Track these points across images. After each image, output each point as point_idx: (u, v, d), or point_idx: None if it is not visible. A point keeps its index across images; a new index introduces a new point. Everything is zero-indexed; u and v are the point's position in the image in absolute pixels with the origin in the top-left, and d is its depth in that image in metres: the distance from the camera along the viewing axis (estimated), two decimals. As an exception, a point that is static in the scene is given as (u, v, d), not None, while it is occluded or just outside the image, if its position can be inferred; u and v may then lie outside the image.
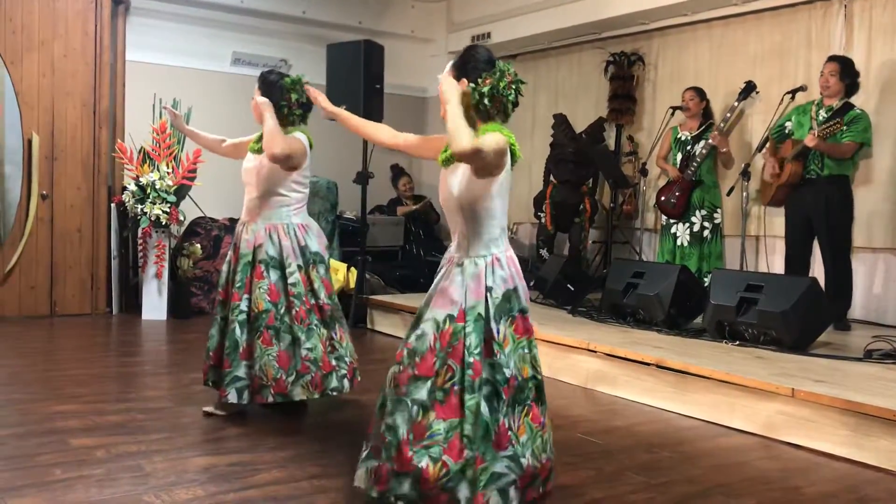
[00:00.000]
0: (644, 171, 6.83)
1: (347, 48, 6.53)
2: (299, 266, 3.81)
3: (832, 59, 5.50)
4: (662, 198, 6.33)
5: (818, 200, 5.43)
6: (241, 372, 3.73)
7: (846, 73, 5.39)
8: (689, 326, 5.38)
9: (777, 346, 4.71)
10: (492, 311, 2.58)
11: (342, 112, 3.34)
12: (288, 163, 3.74)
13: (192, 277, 6.83)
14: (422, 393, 2.51)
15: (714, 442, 3.76)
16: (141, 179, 6.43)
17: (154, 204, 6.39)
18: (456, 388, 2.51)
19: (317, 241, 3.92)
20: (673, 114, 6.49)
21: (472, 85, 2.61)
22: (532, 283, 7.07)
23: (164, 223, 6.43)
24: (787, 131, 5.70)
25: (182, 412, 3.90)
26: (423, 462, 2.44)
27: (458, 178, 2.62)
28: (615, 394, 4.58)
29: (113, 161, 6.81)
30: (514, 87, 2.63)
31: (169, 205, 6.42)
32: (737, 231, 6.26)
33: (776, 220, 6.09)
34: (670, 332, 5.20)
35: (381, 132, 3.07)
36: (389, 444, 2.51)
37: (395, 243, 7.88)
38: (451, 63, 2.73)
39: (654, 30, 7.22)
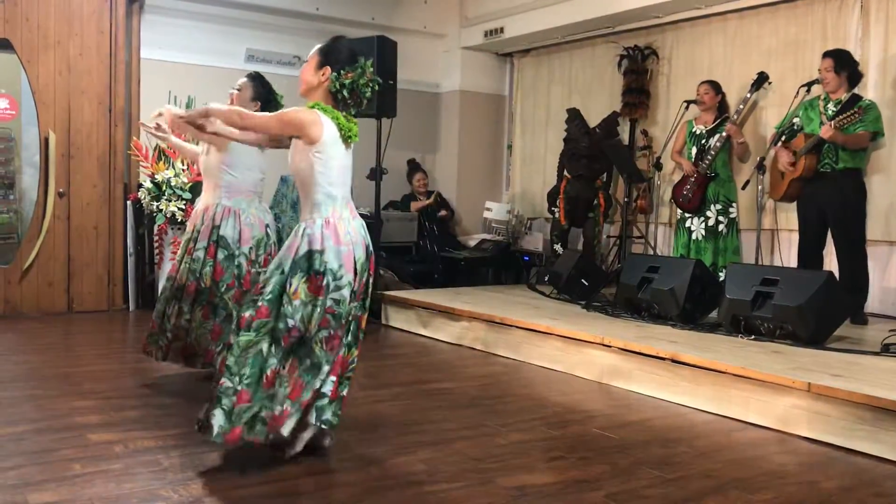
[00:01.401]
0: (658, 166, 6.80)
1: (360, 44, 6.52)
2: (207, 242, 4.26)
3: (825, 54, 5.54)
4: (678, 192, 6.31)
5: (832, 194, 5.41)
6: None
7: (841, 65, 5.41)
8: (704, 321, 5.36)
9: (793, 340, 4.69)
10: (291, 266, 3.01)
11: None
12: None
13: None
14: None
15: (729, 436, 3.75)
16: (156, 177, 6.47)
17: (169, 201, 6.43)
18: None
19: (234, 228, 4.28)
20: (687, 108, 6.47)
21: (335, 74, 3.03)
22: (546, 278, 7.08)
23: (179, 220, 6.47)
24: (795, 127, 5.67)
25: (198, 407, 3.92)
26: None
27: (291, 150, 3.11)
28: (630, 388, 4.58)
29: (129, 158, 6.85)
30: (371, 85, 3.09)
31: (184, 202, 6.45)
32: (752, 225, 6.23)
33: (791, 215, 6.07)
34: (685, 326, 5.19)
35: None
36: None
37: (409, 239, 7.88)
38: (316, 48, 3.11)
39: (668, 23, 7.19)
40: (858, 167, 5.43)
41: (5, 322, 6.15)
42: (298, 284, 2.98)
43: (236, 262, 4.19)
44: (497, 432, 3.64)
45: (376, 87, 3.11)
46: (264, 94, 4.19)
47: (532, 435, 3.65)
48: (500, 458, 3.28)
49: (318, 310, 2.99)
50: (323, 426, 3.05)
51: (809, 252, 5.63)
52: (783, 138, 5.71)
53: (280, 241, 4.12)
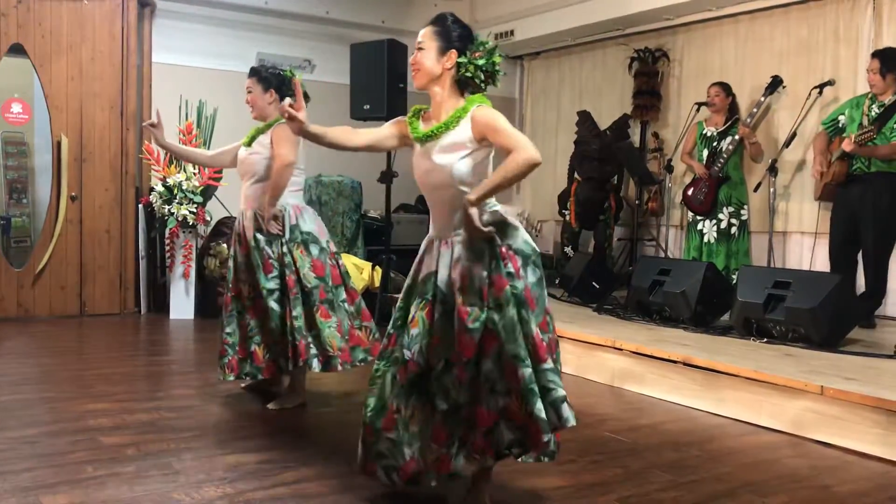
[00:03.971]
0: (669, 168, 6.78)
1: (371, 47, 6.55)
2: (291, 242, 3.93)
3: (873, 54, 5.40)
4: (689, 194, 6.29)
5: (865, 197, 5.30)
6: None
7: (887, 65, 5.25)
8: (716, 324, 5.34)
9: (806, 343, 4.66)
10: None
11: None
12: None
13: (218, 277, 6.87)
14: None
15: (742, 440, 3.73)
16: (168, 180, 6.49)
17: (181, 204, 6.46)
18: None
19: (312, 223, 4.02)
20: (698, 110, 6.45)
21: (464, 58, 2.61)
22: (557, 281, 7.07)
23: (190, 223, 6.50)
24: (840, 125, 5.54)
25: (210, 410, 3.94)
26: None
27: (456, 157, 2.57)
28: (642, 392, 4.56)
29: (140, 162, 6.88)
30: (499, 59, 2.66)
31: (196, 205, 6.48)
32: (763, 227, 6.20)
33: (805, 217, 6.04)
34: (697, 329, 5.17)
35: (345, 136, 2.81)
36: None
37: (420, 241, 7.84)
38: (429, 31, 2.65)
39: (679, 25, 7.17)
40: (893, 171, 5.26)
41: (18, 325, 6.18)
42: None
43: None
44: (508, 435, 3.63)
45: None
46: (273, 80, 4.04)
47: (543, 438, 3.63)
48: (511, 462, 3.26)
49: None
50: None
51: (840, 255, 5.51)
52: (823, 135, 5.57)
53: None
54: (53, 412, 3.81)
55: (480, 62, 2.60)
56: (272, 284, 3.88)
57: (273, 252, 3.90)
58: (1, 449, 3.24)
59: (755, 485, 3.10)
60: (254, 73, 4.09)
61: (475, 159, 2.58)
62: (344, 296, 4.02)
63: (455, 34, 2.63)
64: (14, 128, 6.82)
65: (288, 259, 3.89)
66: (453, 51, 2.61)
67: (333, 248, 4.08)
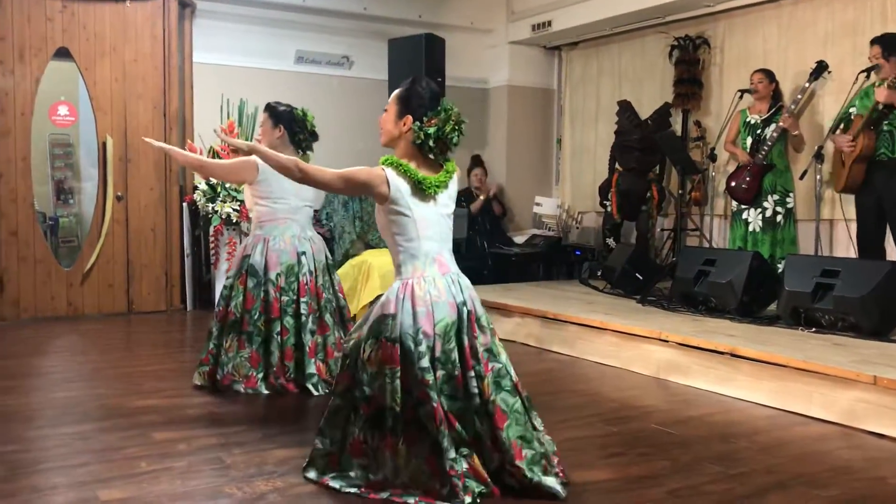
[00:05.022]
0: (713, 157, 6.68)
1: (408, 42, 6.57)
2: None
3: (872, 41, 5.38)
4: (733, 183, 6.20)
5: (890, 183, 5.25)
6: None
7: (889, 50, 5.23)
8: (763, 314, 5.27)
9: (856, 332, 4.58)
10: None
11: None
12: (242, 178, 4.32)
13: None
14: None
15: (792, 431, 3.68)
16: (211, 178, 6.57)
17: (224, 202, 6.53)
18: None
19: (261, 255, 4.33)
20: (741, 97, 6.35)
21: (418, 123, 2.79)
22: (599, 273, 7.03)
23: (234, 221, 6.57)
24: (852, 116, 5.49)
25: (256, 405, 3.99)
26: None
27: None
28: (688, 383, 4.52)
29: (183, 161, 6.96)
30: (457, 129, 2.81)
31: (239, 203, 6.55)
32: (809, 215, 6.09)
33: (851, 205, 5.91)
34: (743, 319, 5.10)
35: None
36: None
37: (459, 235, 7.86)
38: (395, 94, 2.90)
39: (720, 12, 7.06)
40: None
41: (68, 323, 6.31)
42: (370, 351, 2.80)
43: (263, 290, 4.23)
44: (553, 429, 3.60)
45: (462, 132, 2.85)
46: (284, 116, 4.28)
47: (589, 431, 3.62)
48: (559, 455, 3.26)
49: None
50: None
51: (868, 242, 5.48)
52: (841, 126, 5.57)
53: (330, 244, 4.16)
54: (105, 408, 3.89)
55: (430, 130, 2.77)
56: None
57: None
58: (57, 444, 3.32)
59: (807, 477, 3.06)
60: (267, 108, 4.33)
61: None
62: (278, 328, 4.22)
63: (415, 102, 2.82)
64: (61, 130, 6.95)
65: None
66: (408, 116, 2.82)
67: (282, 282, 4.23)
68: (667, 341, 4.68)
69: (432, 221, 2.86)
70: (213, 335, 4.27)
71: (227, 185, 6.53)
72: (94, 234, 6.69)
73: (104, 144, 6.66)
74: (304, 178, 2.83)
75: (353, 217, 6.91)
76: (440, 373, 2.74)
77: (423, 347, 2.71)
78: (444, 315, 2.77)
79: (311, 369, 4.18)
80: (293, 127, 4.27)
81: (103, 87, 6.64)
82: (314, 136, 4.37)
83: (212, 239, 6.71)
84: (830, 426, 3.74)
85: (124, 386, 4.34)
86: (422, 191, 2.81)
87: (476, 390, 2.76)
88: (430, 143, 2.78)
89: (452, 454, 2.65)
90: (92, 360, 5.09)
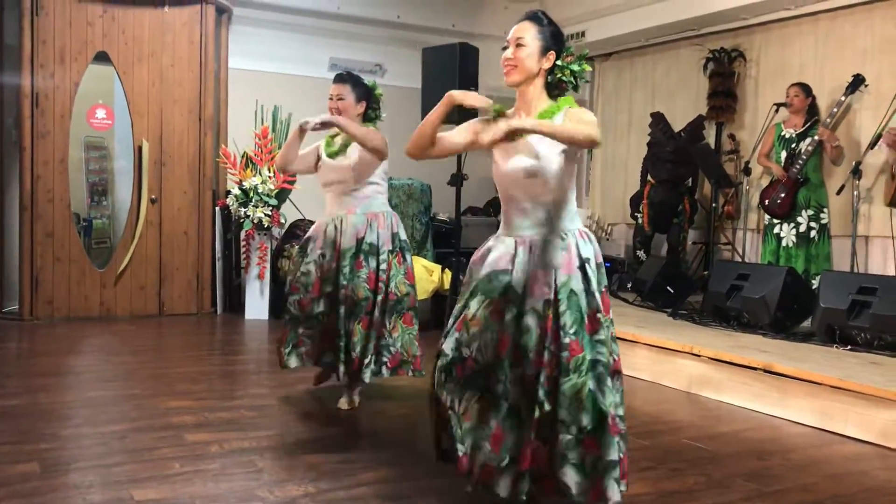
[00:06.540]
0: (747, 170, 6.63)
1: (442, 51, 6.55)
2: (390, 251, 3.96)
3: None
4: (767, 198, 6.14)
5: None
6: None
7: None
8: (796, 330, 5.21)
9: (893, 351, 4.51)
10: (593, 282, 2.53)
11: None
12: (384, 152, 3.93)
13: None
14: None
15: (826, 450, 3.63)
16: (244, 183, 6.62)
17: (256, 207, 6.58)
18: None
19: (403, 229, 4.10)
20: (777, 110, 6.29)
21: (560, 61, 2.58)
22: (630, 286, 6.98)
23: (266, 226, 6.62)
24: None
25: (288, 410, 4.01)
26: None
27: (542, 151, 2.50)
28: (720, 399, 4.47)
29: (217, 166, 7.03)
30: (588, 66, 2.65)
31: (270, 208, 6.60)
32: (845, 231, 6.02)
33: (891, 221, 5.83)
34: (777, 335, 5.05)
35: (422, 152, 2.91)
36: None
37: (489, 244, 7.84)
38: (534, 28, 2.58)
39: (756, 25, 7.01)
40: None
41: (101, 324, 6.38)
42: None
43: None
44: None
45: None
46: (368, 91, 4.04)
47: (621, 444, 3.59)
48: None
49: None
50: None
51: None
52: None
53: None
54: (139, 409, 3.92)
55: (574, 66, 2.58)
56: (366, 293, 3.88)
57: (371, 263, 3.91)
58: (93, 443, 3.36)
59: (844, 497, 3.01)
60: (349, 79, 3.99)
61: (568, 158, 2.54)
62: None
63: (555, 36, 2.59)
64: (96, 132, 7.04)
65: (384, 268, 3.91)
66: (552, 52, 2.57)
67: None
68: (699, 356, 4.64)
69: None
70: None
71: (260, 191, 6.57)
72: (128, 236, 6.76)
73: (140, 148, 6.73)
74: (593, 144, 2.42)
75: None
76: None
77: None
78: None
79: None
80: (371, 103, 4.06)
81: (140, 91, 6.72)
82: (378, 102, 4.12)
83: (243, 243, 6.76)
84: (867, 446, 3.68)
85: (157, 387, 4.37)
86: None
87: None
88: (573, 78, 2.58)
89: None
90: (125, 362, 5.14)
